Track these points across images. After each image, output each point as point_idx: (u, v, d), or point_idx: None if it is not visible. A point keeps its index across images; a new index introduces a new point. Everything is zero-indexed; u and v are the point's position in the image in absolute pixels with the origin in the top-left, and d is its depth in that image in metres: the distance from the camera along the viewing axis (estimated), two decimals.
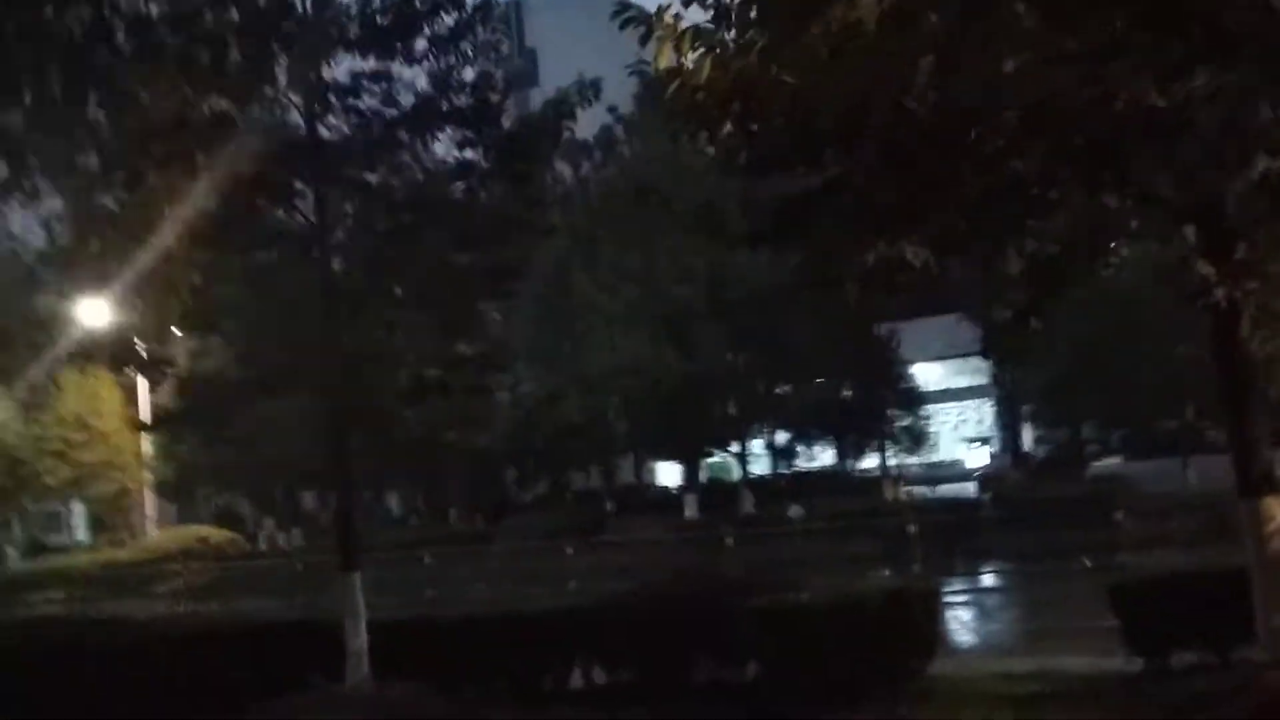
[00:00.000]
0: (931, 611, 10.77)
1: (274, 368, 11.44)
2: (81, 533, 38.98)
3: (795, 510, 28.04)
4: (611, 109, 34.90)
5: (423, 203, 12.27)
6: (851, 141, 7.36)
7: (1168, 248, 8.33)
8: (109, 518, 37.11)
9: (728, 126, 7.41)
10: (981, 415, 41.89)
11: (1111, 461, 32.46)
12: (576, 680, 11.71)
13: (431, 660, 12.07)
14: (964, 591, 19.02)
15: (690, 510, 33.31)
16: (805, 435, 37.88)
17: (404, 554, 24.77)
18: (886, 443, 37.95)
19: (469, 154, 12.20)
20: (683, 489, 36.66)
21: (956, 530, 24.69)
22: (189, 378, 11.82)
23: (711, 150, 7.97)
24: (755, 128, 7.51)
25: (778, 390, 34.87)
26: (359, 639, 11.62)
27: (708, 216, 22.42)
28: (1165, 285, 22.12)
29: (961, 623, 14.69)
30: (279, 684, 12.10)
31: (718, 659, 10.92)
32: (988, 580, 21.71)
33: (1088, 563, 18.64)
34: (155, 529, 35.84)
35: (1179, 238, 7.29)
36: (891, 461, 38.37)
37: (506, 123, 12.17)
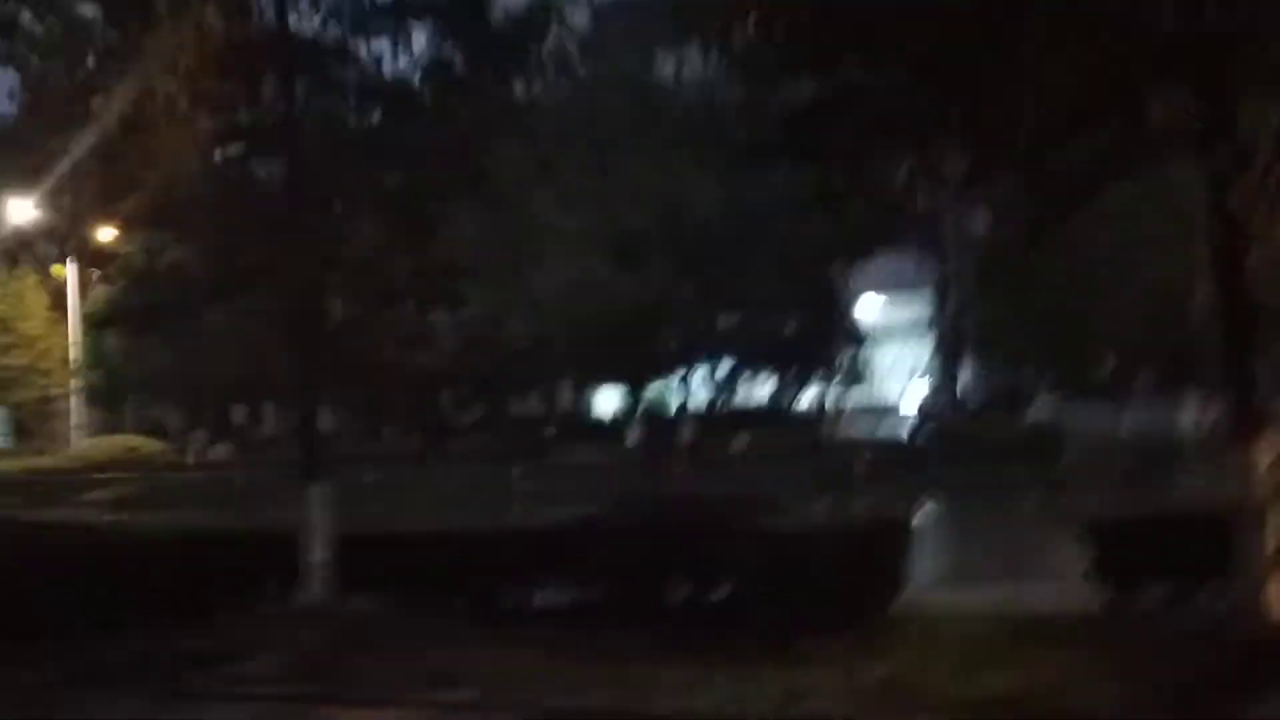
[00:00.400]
0: (907, 542, 10.70)
1: (237, 266, 10.91)
2: (2, 439, 37.88)
3: (740, 441, 28.03)
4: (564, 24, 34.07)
5: (395, 101, 11.77)
6: (879, 44, 7.04)
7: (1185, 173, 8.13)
8: (33, 424, 36.09)
9: (751, 22, 7.05)
10: (921, 354, 42.21)
11: (1048, 403, 32.86)
12: (543, 599, 11.53)
13: (391, 576, 11.82)
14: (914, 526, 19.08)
15: (633, 438, 33.22)
16: (748, 368, 37.83)
17: (338, 470, 24.24)
18: (827, 378, 38.05)
19: (446, 52, 11.67)
20: (623, 417, 36.54)
21: (899, 466, 24.83)
22: (145, 275, 11.22)
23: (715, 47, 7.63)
24: (776, 27, 7.16)
25: (724, 322, 34.73)
26: (321, 552, 11.29)
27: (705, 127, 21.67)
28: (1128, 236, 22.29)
29: (917, 556, 14.70)
30: (231, 595, 11.78)
31: (693, 581, 10.77)
32: (935, 516, 21.83)
33: (1034, 500, 18.80)
34: (82, 437, 34.92)
35: (1211, 160, 7.10)
36: (831, 397, 38.50)
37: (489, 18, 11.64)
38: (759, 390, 39.44)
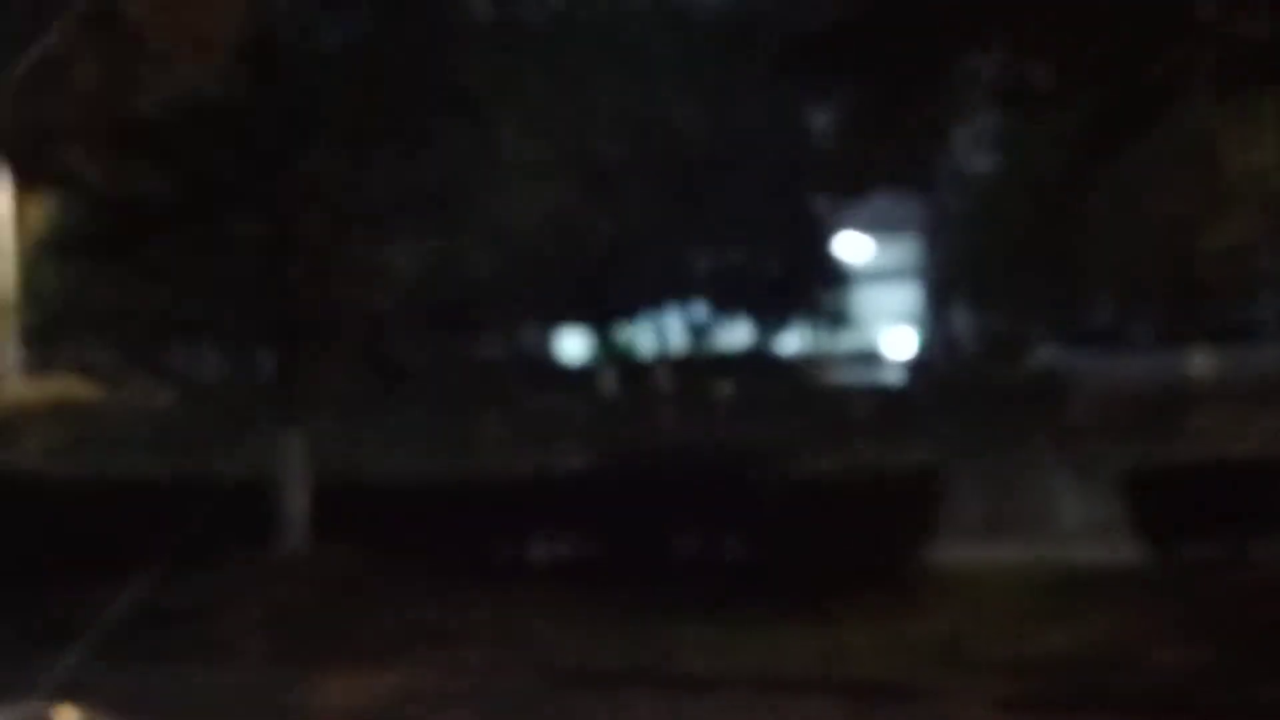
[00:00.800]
0: (938, 492, 10.46)
1: (206, 189, 10.41)
2: None
3: (722, 387, 27.73)
4: None
5: (386, 7, 11.25)
6: None
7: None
8: None
9: None
10: (911, 298, 42.02)
11: (1048, 351, 32.78)
12: (539, 553, 11.21)
13: (372, 526, 11.44)
14: None
15: (607, 384, 32.85)
16: (725, 310, 37.48)
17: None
18: (810, 323, 37.77)
19: None
20: (594, 363, 36.15)
21: (892, 415, 24.60)
22: (105, 199, 10.70)
23: None
24: None
25: (702, 260, 34.29)
26: (299, 501, 10.89)
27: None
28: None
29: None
30: (195, 547, 11.35)
31: (702, 534, 10.47)
32: (938, 466, 21.66)
33: (1049, 450, 18.62)
34: (17, 378, 34.15)
35: None
36: (817, 342, 38.26)
37: None
38: (739, 335, 39.14)
